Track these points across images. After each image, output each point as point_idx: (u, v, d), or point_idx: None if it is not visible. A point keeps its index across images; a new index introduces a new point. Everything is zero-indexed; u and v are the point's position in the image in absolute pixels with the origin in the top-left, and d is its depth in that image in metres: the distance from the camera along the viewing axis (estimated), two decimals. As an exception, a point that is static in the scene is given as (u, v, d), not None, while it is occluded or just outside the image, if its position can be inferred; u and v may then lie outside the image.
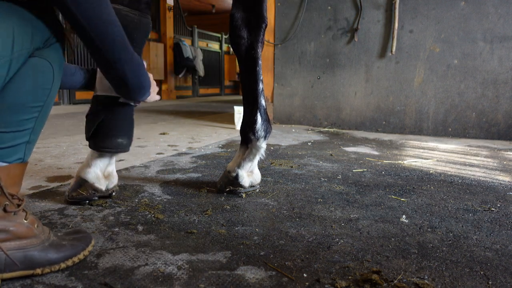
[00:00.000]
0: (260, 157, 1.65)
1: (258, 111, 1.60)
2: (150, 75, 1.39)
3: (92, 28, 0.99)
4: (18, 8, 0.87)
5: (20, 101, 0.91)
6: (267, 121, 1.62)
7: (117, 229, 1.23)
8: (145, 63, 1.43)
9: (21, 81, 0.91)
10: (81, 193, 1.43)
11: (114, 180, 1.50)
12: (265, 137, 1.61)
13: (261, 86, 1.60)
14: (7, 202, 0.90)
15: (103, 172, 1.47)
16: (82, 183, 1.43)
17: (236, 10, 1.58)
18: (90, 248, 1.04)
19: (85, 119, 1.46)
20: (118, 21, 1.07)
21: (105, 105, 1.40)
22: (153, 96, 1.38)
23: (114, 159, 1.50)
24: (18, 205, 0.93)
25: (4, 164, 0.91)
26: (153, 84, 1.36)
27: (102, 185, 1.45)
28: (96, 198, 1.45)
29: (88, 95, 6.79)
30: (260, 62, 1.60)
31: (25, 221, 0.93)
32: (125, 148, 1.47)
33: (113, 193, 1.50)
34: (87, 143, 1.48)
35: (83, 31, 0.99)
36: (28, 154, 0.97)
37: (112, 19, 1.04)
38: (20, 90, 0.91)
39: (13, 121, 0.91)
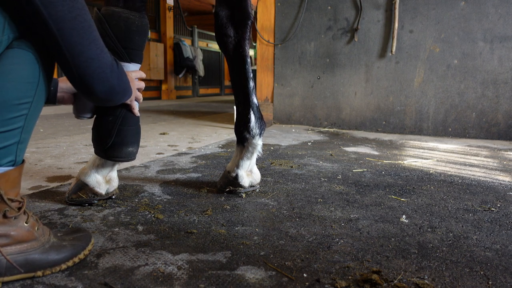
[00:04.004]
0: (257, 155, 1.65)
1: (250, 109, 1.60)
2: (134, 74, 1.28)
3: (43, 3, 0.83)
4: None
5: (3, 99, 0.84)
6: (260, 118, 1.62)
7: (117, 229, 1.23)
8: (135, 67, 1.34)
9: (1, 76, 0.84)
10: (81, 196, 1.42)
11: (115, 184, 1.49)
12: (260, 134, 1.61)
13: (251, 84, 1.59)
14: (7, 208, 0.90)
15: (105, 177, 1.46)
16: (82, 186, 1.43)
17: (220, 8, 1.56)
18: (90, 247, 1.03)
19: (91, 126, 1.43)
20: (86, 7, 0.91)
21: (113, 114, 1.36)
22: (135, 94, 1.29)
23: (117, 165, 1.49)
24: (19, 208, 0.93)
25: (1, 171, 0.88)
26: (134, 81, 1.26)
27: (102, 190, 1.44)
28: (96, 201, 1.45)
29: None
30: (248, 60, 1.59)
31: (26, 224, 0.93)
32: (134, 157, 1.46)
33: (113, 197, 1.50)
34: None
35: (31, 4, 0.83)
36: (20, 155, 0.92)
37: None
38: (2, 85, 0.84)
39: (0, 121, 0.85)
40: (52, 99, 1.25)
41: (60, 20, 0.85)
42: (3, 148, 0.87)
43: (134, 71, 1.34)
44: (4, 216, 0.89)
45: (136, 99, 1.37)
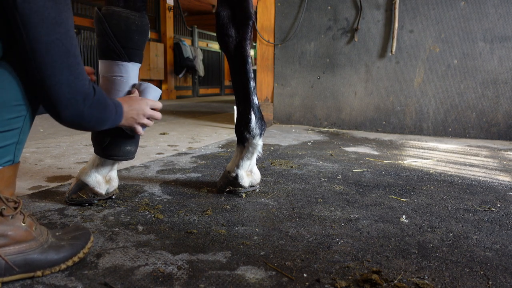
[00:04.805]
0: (258, 155, 1.65)
1: (251, 109, 1.60)
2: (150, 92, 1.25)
3: (24, 22, 0.83)
4: None
5: (3, 99, 0.86)
6: (261, 118, 1.62)
7: (117, 229, 1.23)
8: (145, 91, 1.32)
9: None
10: (81, 196, 1.42)
11: (115, 184, 1.49)
12: (260, 135, 1.61)
13: (252, 84, 1.59)
14: (4, 207, 0.90)
15: (105, 177, 1.46)
16: (82, 186, 1.43)
17: (221, 8, 1.56)
18: (89, 245, 1.03)
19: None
20: (70, 29, 0.91)
21: None
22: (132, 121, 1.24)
23: (117, 164, 1.49)
24: (15, 208, 0.93)
25: None
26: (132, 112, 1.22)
27: (102, 190, 1.44)
28: (96, 201, 1.45)
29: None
30: (249, 60, 1.59)
31: (23, 224, 0.93)
32: (132, 156, 1.46)
33: (113, 197, 1.50)
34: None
35: (14, 21, 0.83)
36: (18, 155, 0.94)
37: (58, 21, 0.87)
38: (1, 87, 0.86)
39: (0, 121, 0.87)
40: None
41: (35, 41, 0.85)
42: (2, 147, 0.89)
43: (151, 100, 1.30)
44: (1, 214, 0.89)
45: (142, 125, 1.32)
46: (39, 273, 0.92)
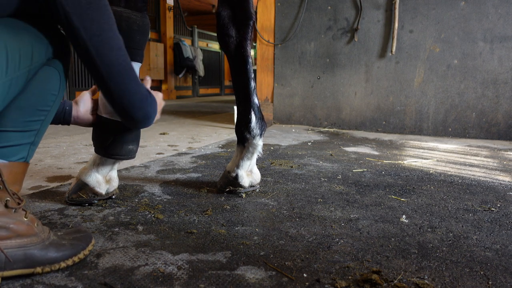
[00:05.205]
0: (258, 155, 1.65)
1: (251, 109, 1.60)
2: (158, 95, 1.37)
3: (99, 54, 1.00)
4: (33, 23, 0.95)
5: (30, 103, 0.97)
6: (261, 118, 1.62)
7: (117, 229, 1.23)
8: (148, 82, 1.44)
9: (33, 85, 0.98)
10: (81, 196, 1.42)
11: (115, 184, 1.49)
12: (260, 135, 1.61)
13: (253, 84, 1.59)
14: (9, 198, 0.91)
15: (105, 177, 1.45)
16: (82, 186, 1.43)
17: (222, 8, 1.56)
18: (90, 247, 1.04)
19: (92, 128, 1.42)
20: (125, 49, 1.08)
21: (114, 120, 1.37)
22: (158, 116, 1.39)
23: (117, 164, 1.49)
24: (18, 204, 0.93)
25: (6, 161, 0.94)
26: (159, 104, 1.36)
27: (102, 190, 1.44)
28: (96, 201, 1.45)
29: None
30: (250, 60, 1.60)
31: (25, 219, 0.93)
32: (134, 155, 1.46)
33: (113, 196, 1.50)
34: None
35: (89, 56, 1.00)
36: (31, 155, 1.01)
37: (120, 46, 1.04)
38: (32, 92, 0.98)
39: (21, 122, 0.97)
40: (67, 118, 1.32)
41: (110, 66, 1.03)
42: (18, 145, 0.97)
43: (157, 92, 1.39)
44: (5, 205, 0.90)
45: None
46: (38, 269, 0.92)
